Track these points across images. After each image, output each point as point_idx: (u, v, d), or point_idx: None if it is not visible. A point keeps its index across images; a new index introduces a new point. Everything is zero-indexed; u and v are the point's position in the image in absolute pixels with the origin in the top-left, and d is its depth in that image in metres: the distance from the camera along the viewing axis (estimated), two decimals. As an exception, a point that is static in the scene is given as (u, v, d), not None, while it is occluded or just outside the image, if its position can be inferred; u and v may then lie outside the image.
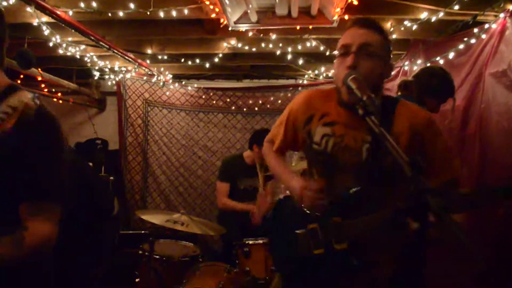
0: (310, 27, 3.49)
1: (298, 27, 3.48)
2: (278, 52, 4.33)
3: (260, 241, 3.48)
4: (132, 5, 3.30)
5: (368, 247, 1.54)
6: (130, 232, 4.37)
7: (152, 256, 3.34)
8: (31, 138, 1.29)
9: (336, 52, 1.68)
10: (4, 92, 1.36)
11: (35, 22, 3.45)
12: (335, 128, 1.68)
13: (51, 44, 3.94)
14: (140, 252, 3.53)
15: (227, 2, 2.98)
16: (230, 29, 3.44)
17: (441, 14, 3.36)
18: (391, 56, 1.69)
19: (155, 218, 3.36)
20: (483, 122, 3.50)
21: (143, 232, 4.08)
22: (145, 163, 5.96)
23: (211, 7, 3.08)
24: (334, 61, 1.68)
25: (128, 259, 3.83)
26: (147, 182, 5.97)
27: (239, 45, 4.46)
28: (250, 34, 3.77)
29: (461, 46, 3.76)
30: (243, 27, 3.48)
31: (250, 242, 3.48)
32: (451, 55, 3.86)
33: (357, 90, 1.43)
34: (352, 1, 2.83)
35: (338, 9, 2.94)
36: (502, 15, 3.32)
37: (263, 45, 4.37)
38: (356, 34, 1.60)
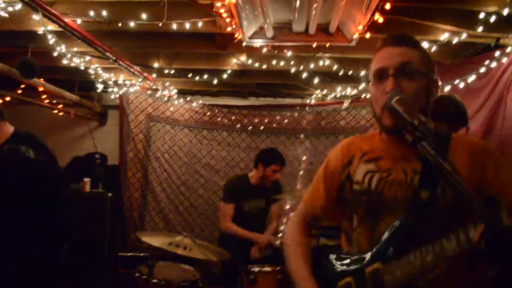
0: (327, 45, 3.36)
1: (314, 45, 3.35)
2: (292, 71, 4.21)
3: (268, 269, 3.31)
4: (144, 16, 3.17)
5: None
6: (129, 254, 4.16)
7: (150, 281, 3.17)
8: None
9: (370, 78, 1.47)
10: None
11: (40, 30, 3.33)
12: (380, 163, 1.45)
13: (55, 53, 3.80)
14: (138, 274, 3.35)
15: (244, 15, 2.86)
16: (244, 44, 3.32)
17: (464, 36, 3.25)
18: (435, 71, 1.45)
19: (156, 241, 3.22)
20: (504, 150, 3.36)
21: (142, 255, 3.88)
22: (145, 180, 5.77)
23: (228, 20, 2.96)
24: (369, 88, 1.49)
25: (124, 282, 3.65)
26: (146, 200, 5.77)
27: (249, 61, 4.34)
28: (264, 50, 3.65)
29: (482, 70, 3.64)
30: (257, 43, 3.36)
31: (256, 269, 3.31)
32: (470, 78, 3.74)
33: (404, 113, 1.26)
34: (377, 19, 2.71)
35: (360, 27, 2.81)
36: (525, 39, 3.22)
37: (274, 62, 4.26)
38: (391, 55, 1.40)
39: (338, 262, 1.47)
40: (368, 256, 1.39)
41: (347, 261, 1.45)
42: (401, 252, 1.30)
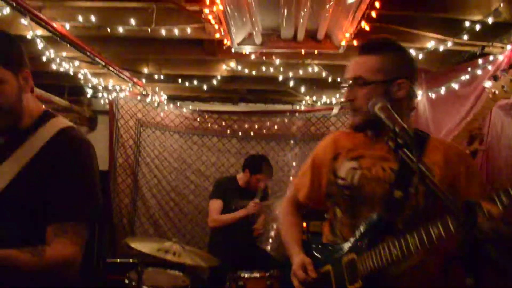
0: (316, 52, 3.39)
1: (303, 52, 3.38)
2: (280, 78, 4.23)
3: (257, 275, 3.31)
4: (133, 21, 3.18)
5: (388, 281, 1.41)
6: (118, 260, 4.13)
7: (140, 287, 3.15)
8: (58, 161, 1.35)
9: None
10: (40, 119, 1.43)
11: (28, 35, 3.31)
12: (362, 161, 1.57)
13: (44, 58, 3.79)
14: (127, 281, 3.33)
15: (232, 22, 2.88)
16: (233, 50, 3.33)
17: (449, 44, 3.29)
18: (406, 71, 1.55)
19: (145, 247, 3.20)
20: (490, 156, 3.40)
21: (131, 261, 3.86)
22: (134, 186, 5.74)
23: (216, 26, 2.98)
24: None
25: (113, 288, 3.63)
26: (136, 206, 5.73)
27: (239, 67, 4.36)
28: (253, 57, 3.67)
29: (466, 77, 3.69)
30: (246, 49, 3.38)
31: (246, 275, 3.30)
32: (455, 85, 3.79)
33: (386, 119, 1.31)
34: (364, 27, 2.74)
35: (347, 34, 2.85)
36: (509, 46, 3.26)
37: (263, 68, 4.28)
38: (352, 66, 1.59)
39: (319, 251, 1.63)
40: (345, 247, 1.53)
41: (328, 250, 1.60)
42: (374, 244, 1.42)
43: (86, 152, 1.42)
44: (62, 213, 1.33)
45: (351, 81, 1.56)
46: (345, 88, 1.58)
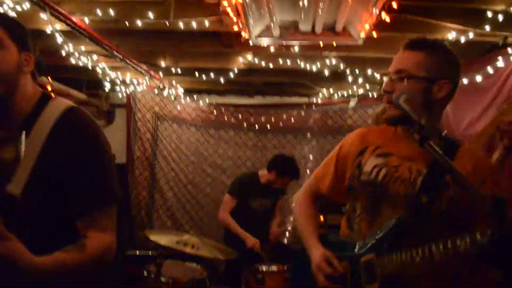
0: (334, 44, 3.35)
1: (321, 44, 3.34)
2: (299, 69, 4.20)
3: (275, 268, 3.31)
4: (151, 15, 3.18)
5: (406, 282, 1.41)
6: (137, 253, 4.18)
7: (159, 279, 3.19)
8: (72, 146, 1.31)
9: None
10: (39, 102, 1.39)
11: (48, 29, 3.34)
12: (389, 159, 1.56)
13: (63, 53, 3.82)
14: (145, 273, 3.37)
15: (251, 15, 2.86)
16: (251, 43, 3.32)
17: (471, 35, 3.22)
18: (450, 73, 1.54)
19: (164, 239, 3.24)
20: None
21: (150, 254, 3.90)
22: (152, 179, 5.79)
23: (234, 19, 2.96)
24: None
25: (132, 280, 3.66)
26: (154, 198, 5.79)
27: (256, 60, 4.34)
28: (272, 49, 3.64)
29: (489, 68, 3.62)
30: (264, 42, 3.36)
31: (264, 268, 3.31)
32: (477, 77, 3.71)
33: (411, 112, 1.30)
34: (384, 18, 2.70)
35: (367, 26, 2.80)
36: (533, 37, 3.19)
37: (280, 61, 4.25)
38: (396, 60, 1.59)
39: (336, 247, 1.61)
40: (363, 246, 1.52)
41: (345, 246, 1.59)
42: (394, 248, 1.41)
43: (96, 132, 1.40)
44: (90, 203, 1.32)
45: (393, 74, 1.55)
46: (386, 80, 1.57)
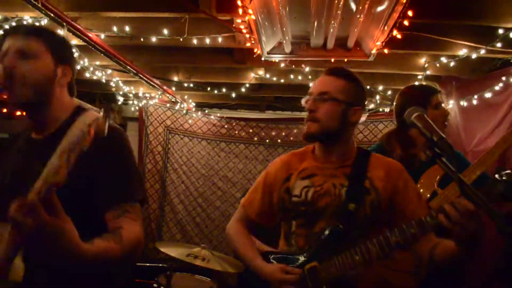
0: (345, 60, 3.39)
1: (332, 60, 3.38)
2: (310, 85, 4.22)
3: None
4: (165, 31, 3.25)
5: (355, 282, 1.56)
6: (147, 264, 4.20)
7: (169, 292, 3.20)
8: (103, 146, 1.34)
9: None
10: (74, 113, 1.47)
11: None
12: (314, 179, 1.73)
13: (78, 67, 3.90)
14: (155, 285, 3.38)
15: (263, 31, 2.91)
16: (263, 59, 3.36)
17: (482, 52, 3.24)
18: (362, 101, 1.79)
19: (174, 251, 3.25)
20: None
21: (160, 265, 3.92)
22: (163, 191, 5.83)
23: (247, 36, 3.01)
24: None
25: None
26: (164, 211, 5.82)
27: (267, 75, 4.39)
28: (283, 65, 3.69)
29: (499, 85, 3.63)
30: (276, 58, 3.40)
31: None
32: (488, 93, 3.73)
33: (424, 129, 1.34)
34: (396, 35, 2.73)
35: (378, 43, 2.84)
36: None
37: (291, 76, 4.29)
38: (319, 82, 1.77)
39: (279, 261, 1.71)
40: (303, 256, 1.66)
41: (287, 260, 1.70)
42: (333, 253, 1.59)
43: (125, 138, 1.49)
44: (120, 195, 1.37)
45: (317, 95, 1.71)
46: (309, 100, 1.72)
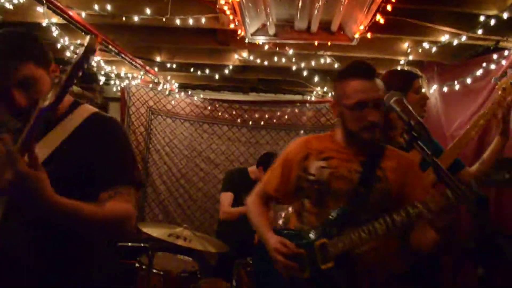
0: (329, 43, 3.40)
1: (316, 43, 3.38)
2: (294, 68, 4.24)
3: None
4: (148, 11, 3.20)
5: (357, 260, 1.66)
6: (129, 244, 4.20)
7: (151, 271, 3.22)
8: (99, 133, 1.45)
9: (346, 104, 1.74)
10: (70, 107, 1.51)
11: (44, 22, 3.35)
12: (330, 162, 1.80)
13: (58, 46, 3.83)
14: (137, 265, 3.40)
15: (247, 13, 2.89)
16: (246, 41, 3.35)
17: (463, 38, 3.28)
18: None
19: (156, 231, 3.26)
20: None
21: (142, 245, 3.93)
22: (145, 172, 5.80)
23: (231, 17, 2.99)
24: (342, 109, 1.79)
25: (124, 272, 3.69)
26: (146, 192, 5.81)
27: (251, 57, 4.37)
28: (266, 47, 3.67)
29: (480, 71, 3.68)
30: (260, 40, 3.39)
31: (255, 262, 3.35)
32: (469, 79, 3.78)
33: (402, 113, 1.37)
34: (379, 20, 2.75)
35: (361, 27, 2.85)
36: (524, 42, 3.25)
37: (275, 59, 4.29)
38: (367, 89, 1.72)
39: (290, 237, 1.79)
40: (315, 233, 1.75)
41: (298, 236, 1.79)
42: (342, 231, 1.68)
43: (121, 127, 1.55)
44: (114, 178, 1.41)
45: (374, 103, 1.69)
46: (373, 110, 1.69)
